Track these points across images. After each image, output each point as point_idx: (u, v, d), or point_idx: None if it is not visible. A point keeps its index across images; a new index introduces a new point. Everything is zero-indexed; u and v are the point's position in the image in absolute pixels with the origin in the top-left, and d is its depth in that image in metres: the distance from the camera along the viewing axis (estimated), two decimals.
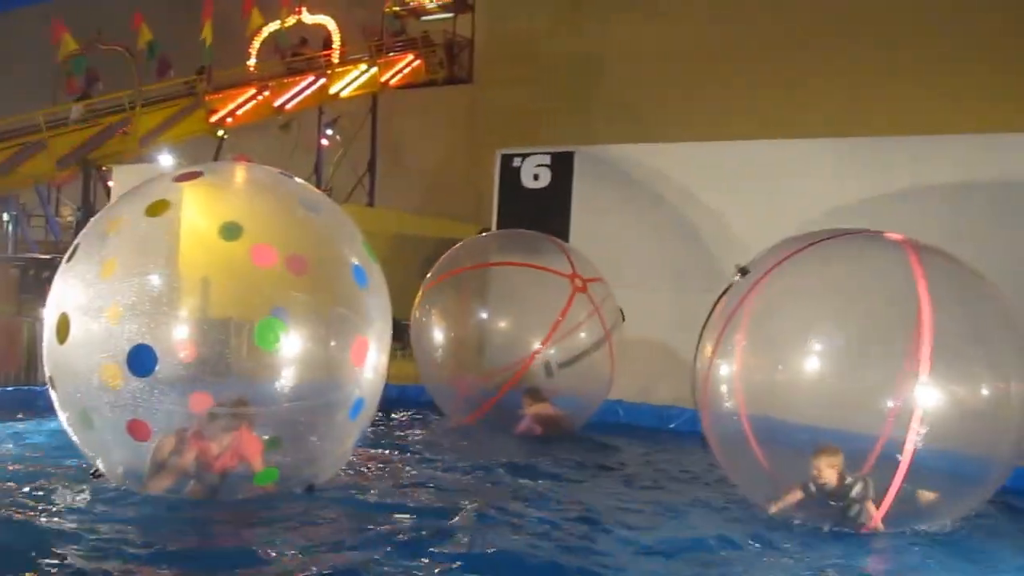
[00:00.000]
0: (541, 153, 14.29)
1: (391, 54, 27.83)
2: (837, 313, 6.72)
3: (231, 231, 6.21)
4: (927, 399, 6.16)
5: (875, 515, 6.41)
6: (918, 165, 11.43)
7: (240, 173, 7.12)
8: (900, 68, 20.39)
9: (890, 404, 6.34)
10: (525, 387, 10.25)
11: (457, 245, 11.38)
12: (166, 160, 21.60)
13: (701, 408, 7.26)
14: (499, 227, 14.12)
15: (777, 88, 21.39)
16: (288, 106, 25.86)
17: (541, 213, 13.45)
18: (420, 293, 10.90)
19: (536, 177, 14.11)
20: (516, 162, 14.35)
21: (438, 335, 10.67)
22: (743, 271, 7.09)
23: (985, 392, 6.34)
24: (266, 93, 25.18)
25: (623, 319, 10.41)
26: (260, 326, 6.04)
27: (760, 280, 6.93)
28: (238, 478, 6.36)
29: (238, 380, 6.15)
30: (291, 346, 6.15)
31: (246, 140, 27.90)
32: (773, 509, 6.72)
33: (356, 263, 6.64)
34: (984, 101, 18.71)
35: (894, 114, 18.89)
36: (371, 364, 6.51)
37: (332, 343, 6.36)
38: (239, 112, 24.89)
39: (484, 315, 10.86)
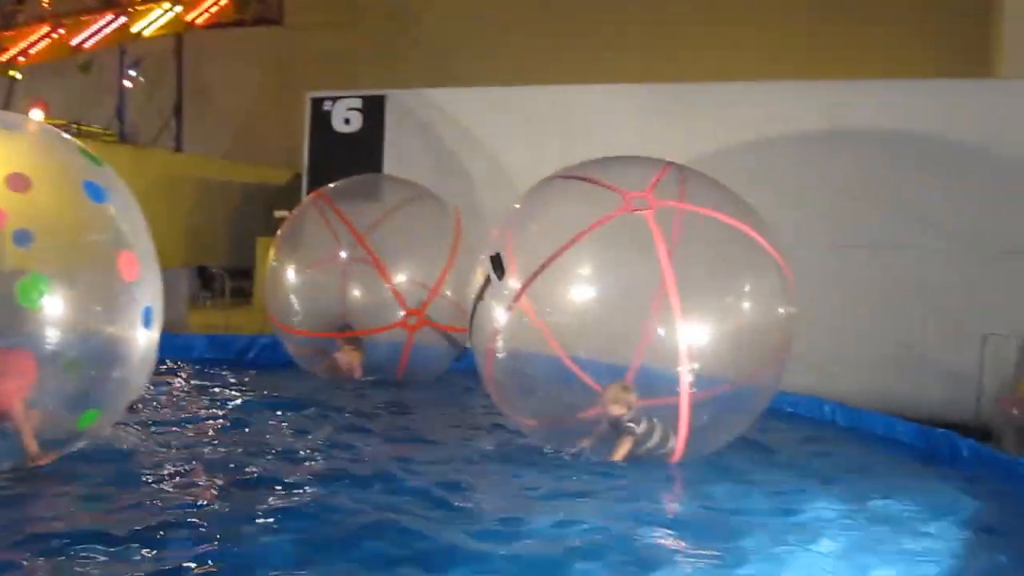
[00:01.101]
0: (352, 96, 14.11)
1: None
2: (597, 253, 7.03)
3: None
4: (691, 334, 6.54)
5: (677, 446, 6.77)
6: (723, 111, 11.86)
7: None
8: (714, 17, 20.95)
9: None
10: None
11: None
12: None
13: (481, 352, 7.45)
14: (310, 172, 13.91)
15: (590, 37, 21.68)
16: (87, 45, 24.56)
17: (353, 158, 13.33)
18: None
19: (347, 121, 13.94)
20: (327, 106, 14.13)
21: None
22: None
23: (747, 322, 6.81)
24: (61, 31, 23.84)
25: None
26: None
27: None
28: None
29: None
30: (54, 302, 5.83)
31: (43, 82, 26.43)
32: (584, 443, 7.03)
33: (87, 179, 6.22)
34: (798, 49, 19.48)
35: (704, 61, 19.43)
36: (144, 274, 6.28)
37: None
38: (32, 51, 23.50)
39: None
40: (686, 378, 6.59)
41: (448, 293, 10.14)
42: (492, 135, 13.08)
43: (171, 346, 10.73)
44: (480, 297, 7.22)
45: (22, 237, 5.71)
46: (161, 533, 4.90)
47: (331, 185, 11.10)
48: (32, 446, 5.88)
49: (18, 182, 5.79)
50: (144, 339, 6.29)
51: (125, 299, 6.13)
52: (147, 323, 6.26)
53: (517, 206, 7.62)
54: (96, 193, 6.10)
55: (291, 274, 10.53)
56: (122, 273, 6.05)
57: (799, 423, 9.04)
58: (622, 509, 5.86)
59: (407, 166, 13.19)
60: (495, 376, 7.34)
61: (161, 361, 9.96)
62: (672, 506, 6.28)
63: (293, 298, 10.52)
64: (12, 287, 5.64)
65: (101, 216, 6.13)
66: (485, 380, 7.51)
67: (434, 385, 10.24)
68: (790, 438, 8.31)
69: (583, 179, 7.26)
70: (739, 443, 7.36)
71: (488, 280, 7.17)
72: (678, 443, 6.80)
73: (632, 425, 6.79)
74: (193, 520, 5.11)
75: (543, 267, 6.95)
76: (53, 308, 5.72)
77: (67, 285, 5.81)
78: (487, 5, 23.23)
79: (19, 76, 24.18)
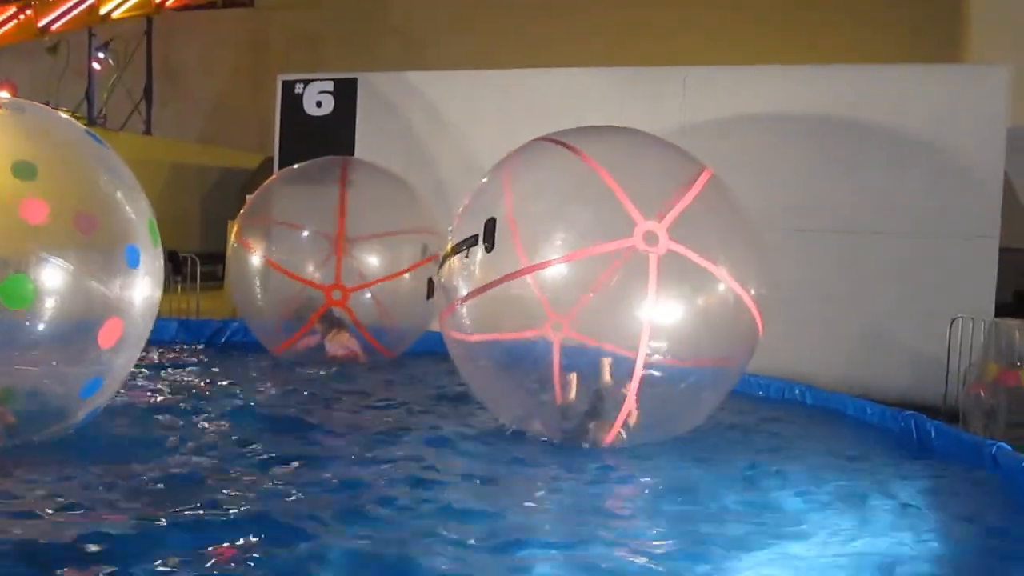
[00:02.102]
0: (323, 79, 14.03)
1: None
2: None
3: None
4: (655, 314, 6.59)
5: (610, 431, 6.82)
6: (692, 94, 11.88)
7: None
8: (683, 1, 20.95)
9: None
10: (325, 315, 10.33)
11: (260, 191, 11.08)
12: None
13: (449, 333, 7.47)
14: (281, 156, 13.84)
15: (562, 19, 21.62)
16: (54, 27, 24.28)
17: (324, 141, 13.25)
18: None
19: (319, 104, 13.86)
20: (298, 88, 14.04)
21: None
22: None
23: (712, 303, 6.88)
24: (28, 12, 23.56)
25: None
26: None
27: None
28: None
29: None
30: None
31: (10, 63, 26.15)
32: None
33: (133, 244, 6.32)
34: (768, 35, 19.53)
35: (674, 45, 19.45)
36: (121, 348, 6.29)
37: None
38: None
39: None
40: (642, 357, 6.63)
41: None
42: (463, 118, 13.04)
43: None
44: (456, 253, 7.10)
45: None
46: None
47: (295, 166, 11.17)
48: None
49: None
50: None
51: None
52: (85, 393, 6.27)
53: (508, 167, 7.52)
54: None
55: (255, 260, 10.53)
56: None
57: (769, 405, 9.11)
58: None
59: (378, 150, 13.12)
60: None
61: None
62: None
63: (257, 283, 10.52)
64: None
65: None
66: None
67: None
68: (757, 419, 8.38)
69: (571, 149, 7.17)
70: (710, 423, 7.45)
71: (474, 240, 6.99)
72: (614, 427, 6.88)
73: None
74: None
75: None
76: None
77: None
78: None
79: None
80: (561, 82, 12.80)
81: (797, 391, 9.33)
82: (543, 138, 7.52)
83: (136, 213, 6.51)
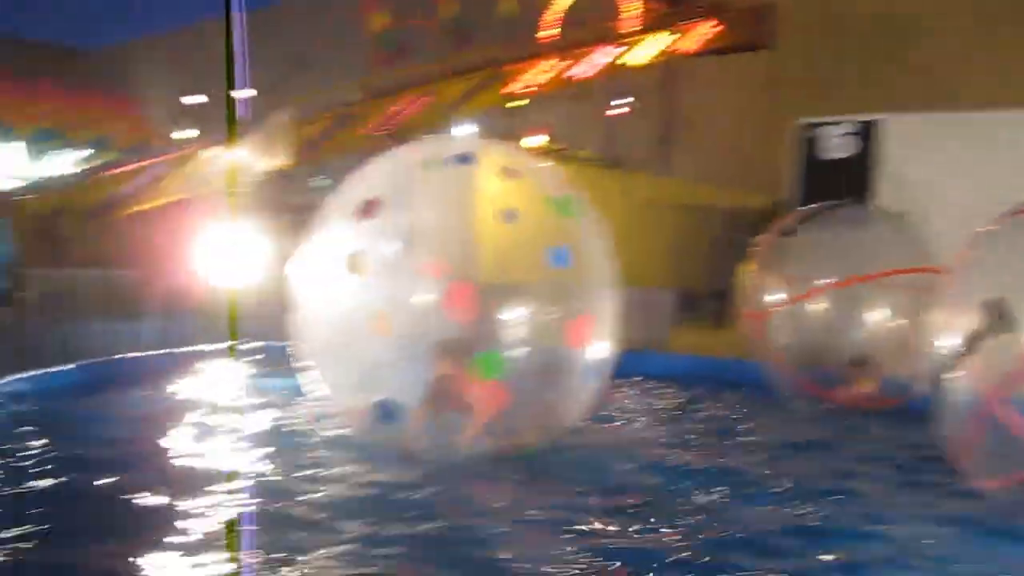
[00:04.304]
0: (845, 122, 13.74)
1: (687, 21, 27.43)
2: None
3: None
4: None
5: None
6: None
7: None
8: None
9: None
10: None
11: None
12: (464, 131, 22.43)
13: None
14: (797, 198, 13.71)
15: None
16: (582, 76, 26.08)
17: (842, 185, 12.94)
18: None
19: (838, 147, 13.59)
20: (817, 131, 13.89)
21: None
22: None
23: None
24: (561, 64, 25.50)
25: None
26: None
27: None
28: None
29: None
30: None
31: (540, 111, 28.46)
32: None
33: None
34: None
35: None
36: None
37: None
38: (535, 84, 25.36)
39: None
40: None
41: None
42: (1007, 167, 12.03)
43: (654, 364, 11.14)
44: (971, 349, 6.21)
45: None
46: None
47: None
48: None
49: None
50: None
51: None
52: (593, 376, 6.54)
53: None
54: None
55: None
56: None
57: None
58: None
59: (900, 195, 12.55)
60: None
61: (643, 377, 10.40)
62: None
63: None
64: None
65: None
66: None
67: None
68: None
69: None
70: None
71: (988, 329, 6.15)
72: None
73: None
74: None
75: None
76: None
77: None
78: (993, 20, 21.56)
79: (519, 104, 26.25)
80: None
81: None
82: None
83: None
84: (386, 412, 6.32)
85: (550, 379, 6.47)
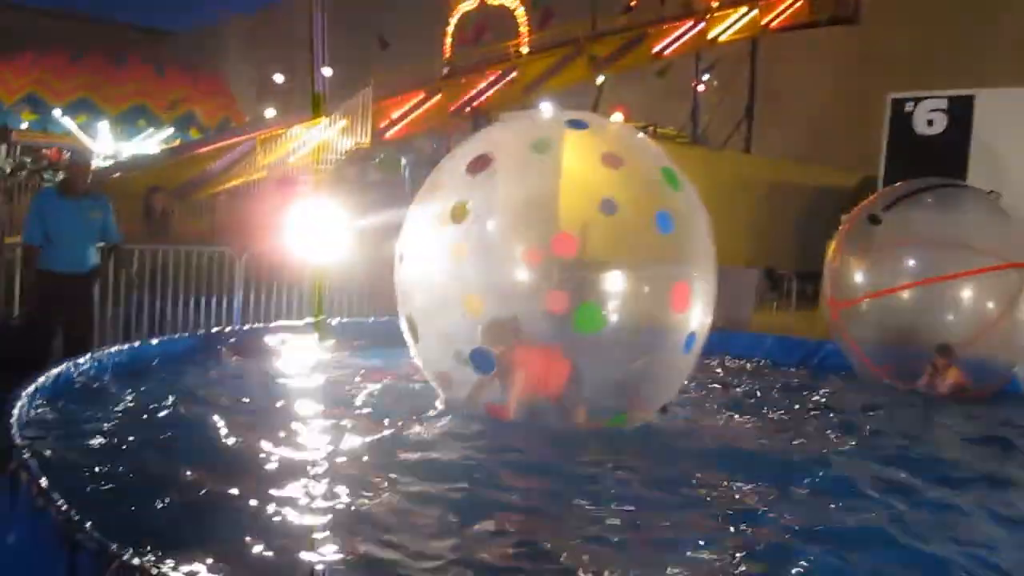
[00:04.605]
0: (937, 97, 13.40)
1: None
2: None
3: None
4: None
5: None
6: None
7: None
8: None
9: None
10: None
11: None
12: (547, 108, 22.40)
13: None
14: (887, 175, 13.43)
15: None
16: (666, 52, 25.89)
17: (933, 161, 12.64)
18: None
19: (930, 123, 13.27)
20: (908, 107, 13.57)
21: None
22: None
23: None
24: (646, 40, 25.35)
25: None
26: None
27: None
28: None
29: None
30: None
31: (623, 87, 28.31)
32: None
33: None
34: None
35: None
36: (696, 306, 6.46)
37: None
38: (619, 60, 25.26)
39: None
40: None
41: None
42: None
43: (736, 343, 11.00)
44: None
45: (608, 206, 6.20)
46: None
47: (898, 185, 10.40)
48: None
49: (612, 160, 6.33)
50: (683, 363, 6.57)
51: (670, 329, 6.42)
52: (687, 348, 6.49)
53: None
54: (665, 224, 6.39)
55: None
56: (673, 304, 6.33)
57: None
58: None
59: (993, 172, 12.23)
60: None
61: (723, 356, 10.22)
62: None
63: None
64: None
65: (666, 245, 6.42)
66: None
67: None
68: None
69: None
70: None
71: None
72: None
73: None
74: None
75: None
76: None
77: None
78: None
79: (601, 80, 26.16)
80: None
81: None
82: None
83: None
84: (479, 360, 6.32)
85: (643, 348, 6.43)
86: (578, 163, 6.42)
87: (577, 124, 6.56)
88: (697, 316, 6.49)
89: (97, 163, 34.05)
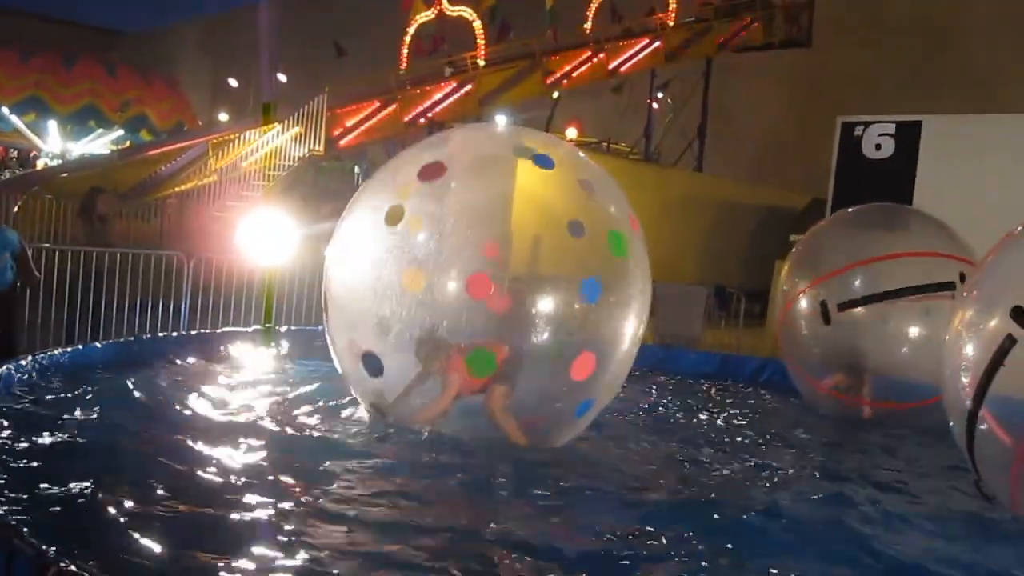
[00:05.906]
0: (885, 122, 13.59)
1: (727, 17, 27.31)
2: None
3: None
4: None
5: None
6: None
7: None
8: None
9: None
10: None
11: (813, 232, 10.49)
12: (502, 120, 22.42)
13: None
14: (835, 198, 13.60)
15: None
16: (622, 69, 26.04)
17: (881, 185, 12.82)
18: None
19: (879, 147, 13.45)
20: (857, 131, 13.73)
21: None
22: None
23: None
24: (602, 56, 25.47)
25: None
26: None
27: None
28: None
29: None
30: None
31: (578, 102, 28.44)
32: None
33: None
34: None
35: None
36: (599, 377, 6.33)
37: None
38: (574, 74, 25.35)
39: None
40: None
41: None
42: None
43: (684, 361, 11.07)
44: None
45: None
46: None
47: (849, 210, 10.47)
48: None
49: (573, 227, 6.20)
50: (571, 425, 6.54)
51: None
52: (579, 413, 6.45)
53: None
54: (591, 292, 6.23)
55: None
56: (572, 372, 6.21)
57: None
58: None
59: (939, 197, 12.39)
60: None
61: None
62: None
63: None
64: None
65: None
66: None
67: None
68: None
69: None
70: None
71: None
72: None
73: None
74: None
75: None
76: None
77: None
78: None
79: (560, 97, 26.23)
80: None
81: None
82: None
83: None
84: (372, 366, 6.23)
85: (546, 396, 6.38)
86: (531, 213, 6.37)
87: (544, 162, 6.42)
88: (598, 386, 6.42)
89: (45, 162, 33.58)
